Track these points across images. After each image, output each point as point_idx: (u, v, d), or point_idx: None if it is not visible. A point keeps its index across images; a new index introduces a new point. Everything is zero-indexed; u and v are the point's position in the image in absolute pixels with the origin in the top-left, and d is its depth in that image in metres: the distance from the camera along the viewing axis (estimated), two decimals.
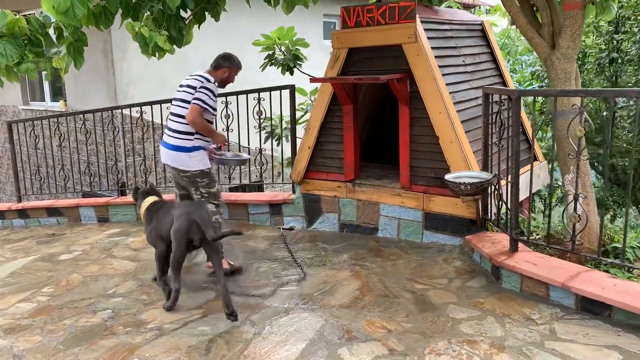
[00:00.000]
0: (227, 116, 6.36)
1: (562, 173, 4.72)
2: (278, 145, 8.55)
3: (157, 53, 4.04)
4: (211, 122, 4.53)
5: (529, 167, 4.55)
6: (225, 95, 6.30)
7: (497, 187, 4.39)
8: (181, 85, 4.53)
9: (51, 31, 5.59)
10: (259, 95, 6.11)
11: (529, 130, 5.89)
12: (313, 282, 4.47)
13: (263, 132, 7.89)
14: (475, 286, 4.17)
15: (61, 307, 4.35)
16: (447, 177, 4.45)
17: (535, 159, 6.03)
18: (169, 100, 6.76)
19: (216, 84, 4.45)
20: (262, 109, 6.17)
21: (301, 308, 4.01)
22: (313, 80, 5.14)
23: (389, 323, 3.68)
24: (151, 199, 4.46)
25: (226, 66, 4.49)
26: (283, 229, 5.84)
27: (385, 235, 5.34)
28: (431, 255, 4.82)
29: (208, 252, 4.12)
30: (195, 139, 4.44)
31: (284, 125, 8.18)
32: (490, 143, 4.61)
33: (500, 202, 4.38)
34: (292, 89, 5.91)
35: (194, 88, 4.35)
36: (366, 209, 5.40)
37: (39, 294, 4.66)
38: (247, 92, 6.16)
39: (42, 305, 4.41)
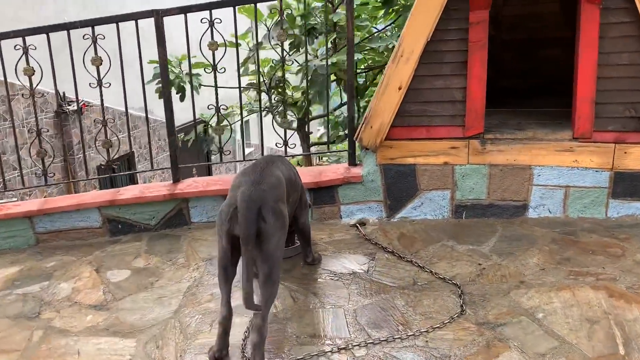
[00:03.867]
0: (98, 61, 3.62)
1: None
2: (182, 100, 5.94)
3: None
4: None
5: None
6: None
7: None
8: None
9: None
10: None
11: None
12: (567, 321, 2.45)
13: (153, 84, 5.25)
14: None
15: None
16: None
17: None
18: (40, 30, 3.69)
19: None
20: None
21: None
22: None
23: None
24: None
25: None
26: (358, 224, 3.56)
27: (542, 214, 3.47)
28: None
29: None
30: None
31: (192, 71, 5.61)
32: None
33: None
34: None
35: None
36: (506, 179, 3.44)
37: None
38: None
39: None
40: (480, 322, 2.53)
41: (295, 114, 6.14)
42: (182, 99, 5.99)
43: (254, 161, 2.78)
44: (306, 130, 6.40)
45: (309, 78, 4.79)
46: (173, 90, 6.00)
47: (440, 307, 2.67)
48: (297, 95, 7.14)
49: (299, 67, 5.08)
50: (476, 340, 2.40)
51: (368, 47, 5.19)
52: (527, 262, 2.99)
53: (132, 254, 3.54)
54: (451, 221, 3.55)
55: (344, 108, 6.26)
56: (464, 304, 2.64)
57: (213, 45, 3.59)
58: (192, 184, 3.86)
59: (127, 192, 3.85)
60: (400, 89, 3.36)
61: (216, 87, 3.79)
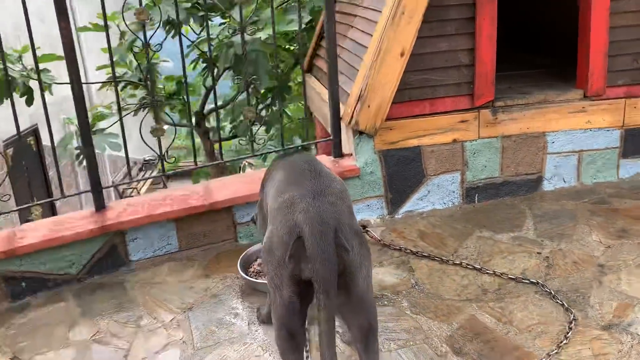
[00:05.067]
0: None
1: None
2: (30, 104, 4.70)
3: None
4: None
5: None
6: None
7: None
8: None
9: None
10: None
11: None
12: None
13: None
14: None
15: None
16: None
17: None
18: None
19: None
20: None
21: None
22: None
23: None
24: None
25: None
26: (366, 230, 2.86)
27: (558, 185, 3.12)
28: None
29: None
30: None
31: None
32: None
33: None
34: None
35: None
36: (520, 150, 3.02)
37: None
38: None
39: None
40: (603, 325, 2.05)
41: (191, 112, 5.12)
42: (29, 102, 4.69)
43: (286, 164, 1.92)
44: (206, 124, 5.46)
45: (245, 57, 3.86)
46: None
47: (540, 317, 2.14)
48: (170, 87, 6.09)
49: (217, 45, 4.11)
50: (623, 350, 1.92)
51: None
52: (587, 242, 2.60)
53: (63, 322, 2.43)
54: (465, 207, 3.04)
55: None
56: (569, 307, 2.14)
57: (143, 14, 2.57)
58: (126, 210, 2.81)
59: (31, 235, 2.66)
60: (402, 55, 2.71)
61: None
